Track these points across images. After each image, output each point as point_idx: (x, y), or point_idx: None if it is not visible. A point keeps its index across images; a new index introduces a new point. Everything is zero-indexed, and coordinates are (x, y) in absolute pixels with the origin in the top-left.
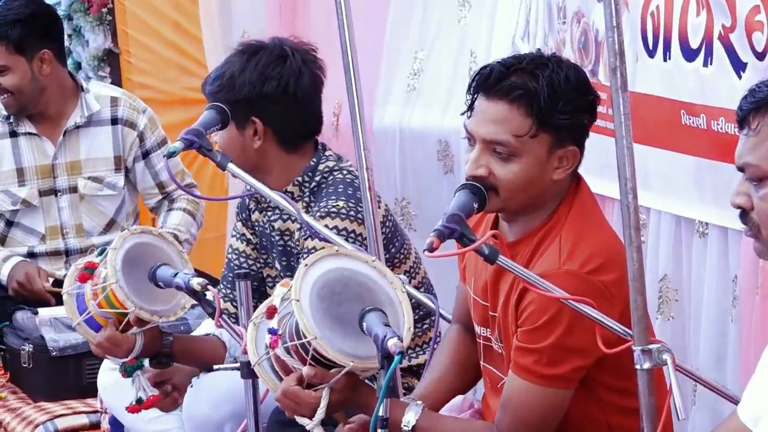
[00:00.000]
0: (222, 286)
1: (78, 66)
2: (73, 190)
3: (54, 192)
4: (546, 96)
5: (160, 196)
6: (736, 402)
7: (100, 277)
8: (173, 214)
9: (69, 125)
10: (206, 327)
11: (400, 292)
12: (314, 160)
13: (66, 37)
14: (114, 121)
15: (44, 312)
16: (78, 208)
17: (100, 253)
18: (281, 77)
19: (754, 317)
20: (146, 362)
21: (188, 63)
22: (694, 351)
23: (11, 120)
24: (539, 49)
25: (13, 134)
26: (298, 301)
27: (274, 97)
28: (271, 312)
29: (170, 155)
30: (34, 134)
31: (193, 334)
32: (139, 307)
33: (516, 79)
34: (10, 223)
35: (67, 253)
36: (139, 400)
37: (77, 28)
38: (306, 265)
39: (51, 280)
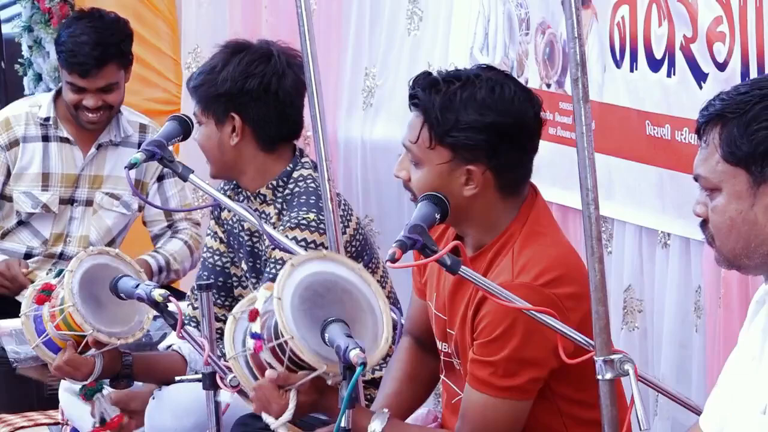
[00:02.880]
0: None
1: (39, 78)
2: (89, 203)
3: (71, 201)
4: (438, 112)
5: (166, 224)
6: (698, 412)
7: (58, 298)
8: (174, 241)
9: (104, 140)
10: (174, 338)
11: (382, 302)
12: (290, 165)
13: (26, 48)
14: (140, 146)
15: (5, 324)
16: (89, 220)
17: (57, 274)
18: (264, 75)
19: (718, 328)
20: (106, 383)
21: (150, 74)
22: (656, 361)
23: (49, 123)
24: (487, 65)
25: (45, 138)
26: (279, 299)
27: (255, 94)
28: (254, 315)
29: (131, 166)
30: (68, 141)
31: (162, 344)
32: (97, 329)
33: (421, 90)
34: (21, 222)
35: (61, 257)
36: (102, 421)
37: (38, 39)
38: (292, 265)
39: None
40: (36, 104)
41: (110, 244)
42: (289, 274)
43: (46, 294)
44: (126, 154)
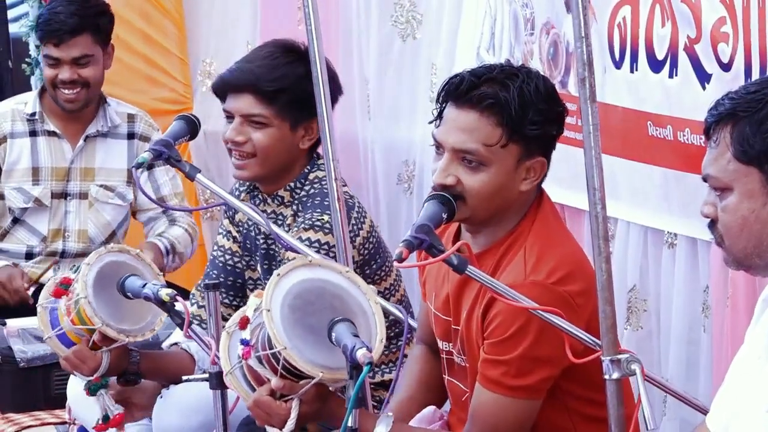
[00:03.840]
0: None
1: None
2: (83, 196)
3: (64, 195)
4: (516, 106)
5: (159, 210)
6: (705, 412)
7: (74, 292)
8: (176, 228)
9: (91, 131)
10: (177, 336)
11: (373, 303)
12: (308, 167)
13: (33, 47)
14: (131, 136)
15: (12, 323)
16: (85, 214)
17: (77, 270)
18: (338, 83)
19: (725, 328)
20: (113, 380)
21: (157, 74)
22: (663, 361)
23: (35, 117)
24: (508, 60)
25: (33, 133)
26: (269, 311)
27: (334, 101)
28: (244, 322)
29: (138, 166)
30: (56, 134)
31: (166, 342)
32: (105, 323)
33: (487, 88)
34: (16, 220)
35: (63, 255)
36: (105, 418)
37: None
38: (279, 274)
39: (32, 288)
40: (22, 101)
41: (111, 237)
42: (277, 284)
43: (63, 288)
44: (115, 145)
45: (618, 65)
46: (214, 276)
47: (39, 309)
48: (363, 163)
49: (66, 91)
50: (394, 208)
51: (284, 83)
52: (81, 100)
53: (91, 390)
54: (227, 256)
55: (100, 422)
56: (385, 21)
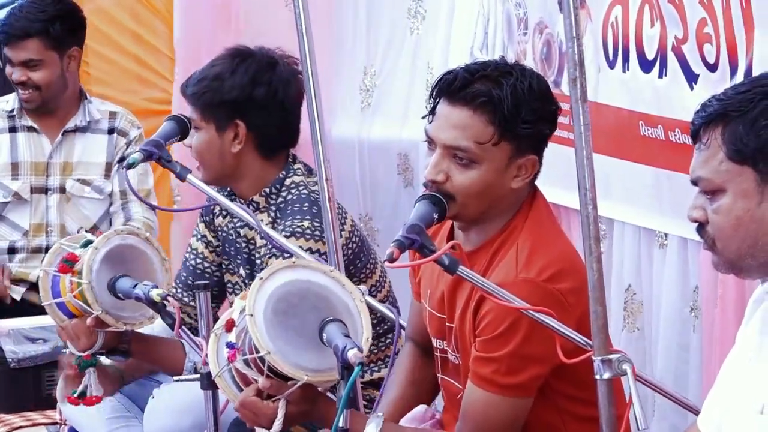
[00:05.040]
0: (174, 284)
1: None
2: (62, 190)
3: (45, 190)
4: (509, 104)
5: (120, 202)
6: (696, 412)
7: (79, 272)
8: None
9: (69, 126)
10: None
11: (359, 302)
12: (283, 172)
13: None
14: (111, 131)
15: (3, 323)
16: (63, 209)
17: (84, 245)
18: (271, 83)
19: (715, 328)
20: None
21: (148, 74)
22: (653, 362)
23: (13, 113)
24: (503, 57)
25: (12, 129)
26: (252, 315)
27: (262, 102)
28: (230, 325)
29: (129, 166)
30: (34, 130)
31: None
32: (105, 311)
33: (480, 85)
34: None
35: (47, 251)
36: (81, 394)
37: None
38: (261, 278)
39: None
40: (4, 100)
41: (92, 231)
42: (259, 288)
43: (69, 265)
44: (94, 140)
45: (612, 65)
46: (183, 277)
47: (41, 273)
48: (357, 158)
49: (20, 91)
50: (394, 206)
51: (200, 86)
52: (35, 101)
53: (81, 366)
54: (198, 260)
55: (75, 396)
56: (399, 12)
